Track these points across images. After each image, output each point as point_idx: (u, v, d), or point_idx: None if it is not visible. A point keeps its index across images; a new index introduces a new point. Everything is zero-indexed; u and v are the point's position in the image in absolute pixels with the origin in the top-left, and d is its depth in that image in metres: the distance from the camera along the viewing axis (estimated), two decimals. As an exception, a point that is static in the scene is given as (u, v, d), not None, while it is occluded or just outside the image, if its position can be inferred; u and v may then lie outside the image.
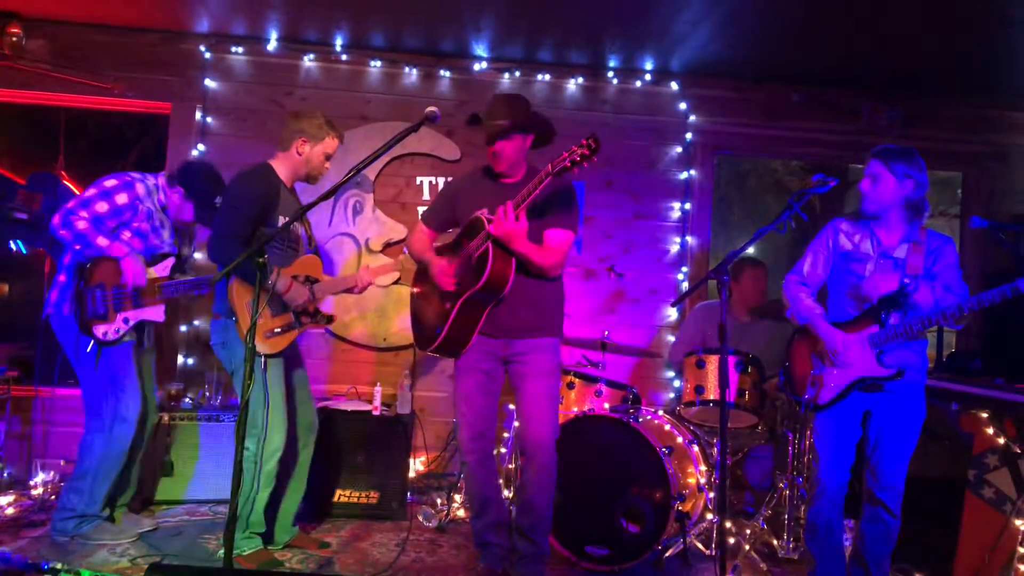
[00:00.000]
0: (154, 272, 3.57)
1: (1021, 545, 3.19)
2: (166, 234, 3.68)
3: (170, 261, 3.64)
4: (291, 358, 3.41)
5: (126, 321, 3.49)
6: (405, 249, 3.63)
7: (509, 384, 3.26)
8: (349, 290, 3.53)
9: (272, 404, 3.20)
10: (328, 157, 3.43)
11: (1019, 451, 3.27)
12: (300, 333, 3.37)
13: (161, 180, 3.66)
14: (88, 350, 3.45)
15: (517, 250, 2.96)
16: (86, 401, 3.54)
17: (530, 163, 3.23)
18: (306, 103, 4.91)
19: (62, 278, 3.51)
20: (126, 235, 3.50)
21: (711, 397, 3.76)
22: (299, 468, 3.49)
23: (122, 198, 3.48)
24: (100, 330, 3.43)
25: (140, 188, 3.55)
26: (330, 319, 3.49)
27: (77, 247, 3.41)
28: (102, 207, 3.43)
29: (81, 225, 3.37)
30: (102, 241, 3.39)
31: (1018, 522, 3.21)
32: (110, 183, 3.49)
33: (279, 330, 3.23)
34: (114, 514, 3.64)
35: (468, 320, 3.09)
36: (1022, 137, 5.31)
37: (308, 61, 5.02)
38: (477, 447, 3.20)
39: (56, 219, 3.39)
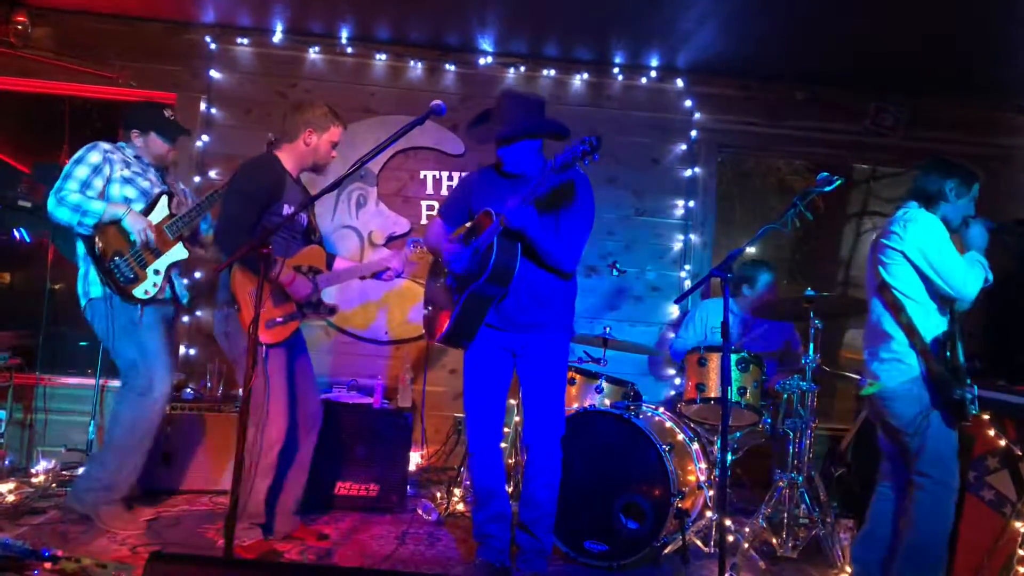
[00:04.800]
0: (155, 218, 3.59)
1: (1020, 547, 3.19)
2: (152, 177, 3.69)
3: (165, 200, 3.65)
4: (294, 348, 3.41)
5: (156, 272, 3.55)
6: (410, 242, 3.62)
7: (516, 378, 3.27)
8: (377, 275, 3.55)
9: (272, 394, 3.20)
10: (334, 145, 3.44)
11: (1020, 453, 3.27)
12: (302, 323, 3.38)
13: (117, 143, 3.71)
14: (140, 317, 3.50)
15: (533, 238, 2.96)
16: (122, 372, 3.57)
17: (546, 158, 3.23)
18: (311, 96, 4.91)
19: (83, 269, 3.54)
20: (116, 189, 3.54)
21: (712, 395, 3.76)
22: (301, 459, 3.48)
23: (95, 156, 3.52)
24: (140, 291, 3.49)
25: (104, 144, 3.59)
26: (333, 310, 3.49)
27: (77, 220, 3.43)
28: (83, 172, 3.48)
29: (74, 198, 3.42)
30: (97, 205, 3.43)
31: (1017, 524, 3.22)
32: (79, 153, 3.55)
33: (281, 320, 3.23)
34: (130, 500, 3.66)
35: (474, 312, 3.09)
36: (1027, 139, 5.31)
37: (313, 53, 5.02)
38: (484, 439, 3.21)
39: (50, 203, 3.43)
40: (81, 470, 3.89)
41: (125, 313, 3.50)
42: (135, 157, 3.67)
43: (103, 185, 3.52)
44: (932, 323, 3.03)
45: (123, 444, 3.49)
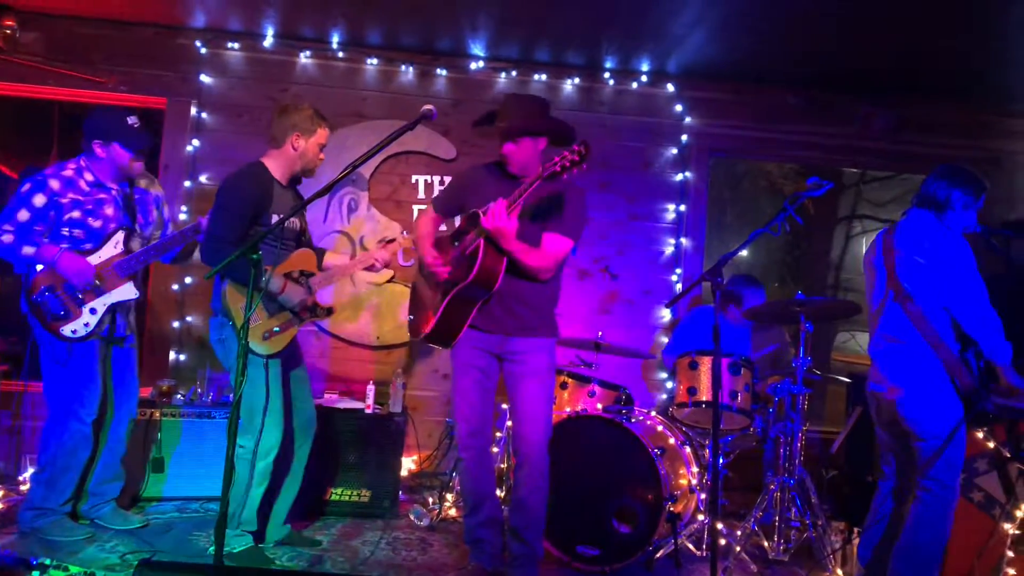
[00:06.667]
0: (105, 253, 3.43)
1: (1009, 548, 3.21)
2: (109, 210, 3.47)
3: (121, 236, 3.48)
4: (290, 357, 3.40)
5: (93, 312, 3.40)
6: (404, 232, 3.63)
7: (503, 383, 3.26)
8: (369, 268, 3.51)
9: (269, 404, 3.19)
10: (322, 148, 3.40)
11: (1008, 455, 3.29)
12: (299, 329, 3.36)
13: (81, 160, 3.49)
14: (68, 353, 3.38)
15: (506, 248, 2.96)
16: (46, 395, 3.48)
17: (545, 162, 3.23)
18: (302, 100, 4.89)
19: (23, 287, 3.45)
20: (65, 231, 3.39)
21: (704, 399, 3.77)
22: (295, 466, 3.48)
23: (39, 200, 3.33)
24: (68, 329, 3.36)
25: (54, 184, 3.36)
26: (330, 311, 3.47)
27: (10, 260, 3.35)
28: (24, 215, 3.32)
29: (7, 239, 3.30)
30: (28, 250, 3.30)
31: (1006, 525, 3.24)
32: (25, 188, 3.35)
33: (277, 329, 3.22)
34: (77, 511, 3.61)
35: (458, 314, 3.09)
36: (1015, 143, 5.34)
37: (304, 58, 5.01)
38: (474, 444, 3.20)
39: None
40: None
41: (51, 347, 3.40)
42: (95, 185, 3.45)
43: (46, 228, 3.37)
44: (956, 334, 3.05)
45: (51, 466, 3.44)
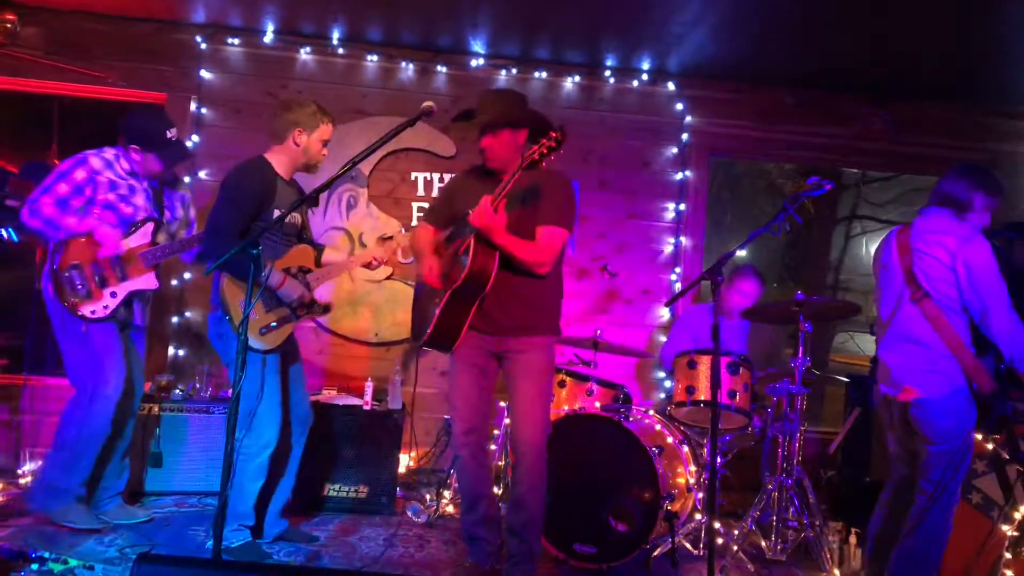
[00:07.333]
0: (133, 242, 3.52)
1: (1007, 550, 3.22)
2: (140, 200, 3.58)
3: (150, 227, 3.58)
4: (288, 352, 3.41)
5: (113, 295, 3.47)
6: (403, 230, 3.63)
7: (502, 381, 3.26)
8: (367, 265, 3.53)
9: (266, 399, 3.20)
10: (325, 143, 3.40)
11: (1006, 457, 3.30)
12: (296, 325, 3.36)
13: (118, 150, 3.58)
14: (84, 331, 3.43)
15: (498, 243, 2.95)
16: (70, 376, 3.52)
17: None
18: (302, 96, 4.89)
19: (48, 264, 3.50)
20: (96, 211, 3.47)
21: (702, 398, 3.77)
22: (290, 462, 3.48)
23: (80, 174, 3.44)
24: (87, 309, 3.42)
25: (95, 161, 3.48)
26: (327, 308, 3.48)
27: (49, 232, 3.41)
28: (63, 188, 3.42)
29: (47, 210, 3.38)
30: (70, 220, 3.40)
31: (1004, 527, 3.24)
32: (66, 165, 3.47)
33: (275, 324, 3.22)
34: (90, 499, 3.62)
35: (456, 315, 3.08)
36: (1015, 144, 5.34)
37: (304, 54, 5.01)
38: (470, 442, 3.20)
39: (24, 211, 3.38)
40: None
41: (72, 325, 3.45)
42: (129, 173, 3.57)
43: (83, 203, 3.45)
44: (974, 336, 3.03)
45: (72, 446, 3.45)
